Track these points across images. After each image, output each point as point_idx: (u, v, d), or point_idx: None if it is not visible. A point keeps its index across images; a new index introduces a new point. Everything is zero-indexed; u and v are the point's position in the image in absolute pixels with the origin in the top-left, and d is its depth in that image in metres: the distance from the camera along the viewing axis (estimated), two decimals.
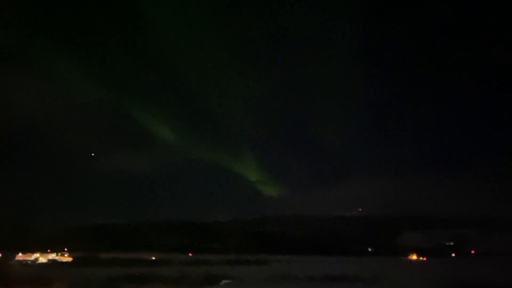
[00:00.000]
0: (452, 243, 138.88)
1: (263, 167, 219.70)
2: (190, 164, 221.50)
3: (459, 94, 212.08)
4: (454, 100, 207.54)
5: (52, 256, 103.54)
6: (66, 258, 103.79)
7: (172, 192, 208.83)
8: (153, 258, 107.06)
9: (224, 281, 58.83)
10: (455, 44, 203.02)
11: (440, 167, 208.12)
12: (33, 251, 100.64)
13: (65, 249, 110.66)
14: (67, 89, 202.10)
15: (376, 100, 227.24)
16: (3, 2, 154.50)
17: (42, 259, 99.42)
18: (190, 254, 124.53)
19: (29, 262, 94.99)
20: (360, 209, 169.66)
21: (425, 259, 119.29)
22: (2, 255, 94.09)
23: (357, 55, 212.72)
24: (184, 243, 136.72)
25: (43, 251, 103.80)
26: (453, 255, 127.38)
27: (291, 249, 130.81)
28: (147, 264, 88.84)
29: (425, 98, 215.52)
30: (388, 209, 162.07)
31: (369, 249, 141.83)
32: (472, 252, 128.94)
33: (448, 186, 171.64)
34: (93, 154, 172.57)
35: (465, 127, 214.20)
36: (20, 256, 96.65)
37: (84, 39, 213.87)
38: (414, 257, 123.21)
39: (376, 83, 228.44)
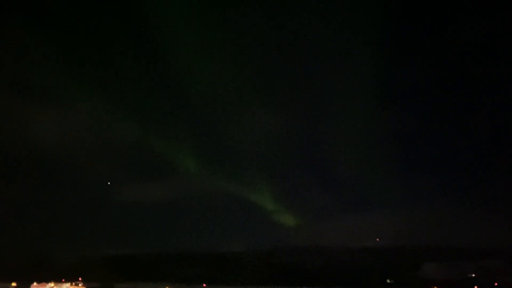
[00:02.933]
0: (474, 275, 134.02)
1: (279, 196, 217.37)
2: (205, 194, 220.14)
3: (482, 122, 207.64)
4: (476, 129, 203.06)
5: (67, 286, 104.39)
6: None
7: (186, 222, 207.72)
8: None
9: None
10: (485, 73, 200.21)
11: (462, 195, 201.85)
12: (48, 281, 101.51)
13: (80, 279, 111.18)
14: (84, 119, 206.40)
15: (395, 130, 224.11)
16: (25, 39, 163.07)
17: None
18: (204, 285, 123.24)
19: None
20: (378, 239, 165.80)
21: None
22: (17, 284, 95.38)
23: (378, 86, 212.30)
24: (199, 274, 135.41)
25: (58, 280, 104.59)
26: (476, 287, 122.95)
27: (308, 281, 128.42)
28: None
29: (446, 127, 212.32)
30: (408, 239, 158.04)
31: (388, 281, 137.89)
32: (496, 284, 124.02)
33: (470, 215, 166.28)
34: (108, 183, 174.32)
35: (487, 155, 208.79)
36: (35, 286, 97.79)
37: (103, 70, 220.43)
38: None
39: (394, 112, 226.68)
